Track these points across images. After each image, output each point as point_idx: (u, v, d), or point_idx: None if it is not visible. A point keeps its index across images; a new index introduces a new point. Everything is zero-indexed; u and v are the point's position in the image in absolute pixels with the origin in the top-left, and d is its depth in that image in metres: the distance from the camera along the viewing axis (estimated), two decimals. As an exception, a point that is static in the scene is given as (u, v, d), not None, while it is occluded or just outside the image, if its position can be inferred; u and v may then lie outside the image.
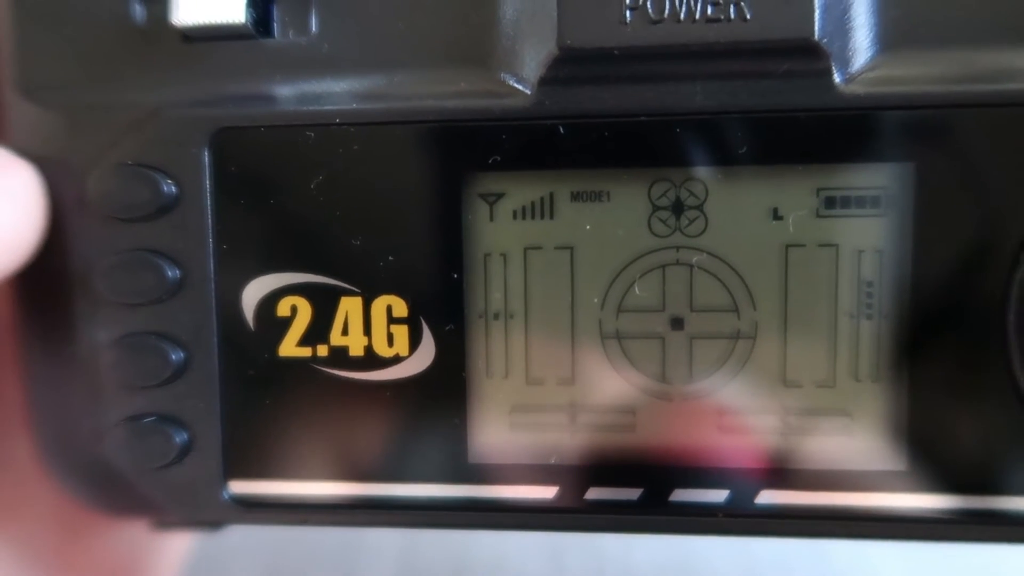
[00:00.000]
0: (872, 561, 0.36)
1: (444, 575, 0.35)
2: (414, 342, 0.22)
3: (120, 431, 0.23)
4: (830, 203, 0.21)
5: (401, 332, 0.22)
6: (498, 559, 0.36)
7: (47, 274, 0.23)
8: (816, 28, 0.20)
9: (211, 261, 0.22)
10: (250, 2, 0.22)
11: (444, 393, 0.22)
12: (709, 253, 0.22)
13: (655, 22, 0.21)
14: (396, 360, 0.22)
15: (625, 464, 0.22)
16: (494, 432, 0.23)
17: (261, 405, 0.23)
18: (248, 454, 0.23)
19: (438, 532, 0.25)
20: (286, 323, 0.23)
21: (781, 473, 0.22)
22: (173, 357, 0.22)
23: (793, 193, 0.21)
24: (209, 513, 0.23)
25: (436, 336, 0.22)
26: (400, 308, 0.22)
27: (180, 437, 0.23)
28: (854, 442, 0.22)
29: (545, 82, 0.21)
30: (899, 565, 0.35)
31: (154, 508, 0.24)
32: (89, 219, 0.22)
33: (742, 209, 0.22)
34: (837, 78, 0.21)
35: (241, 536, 0.35)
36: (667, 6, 0.20)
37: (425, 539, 0.36)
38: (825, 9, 0.20)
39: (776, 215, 0.22)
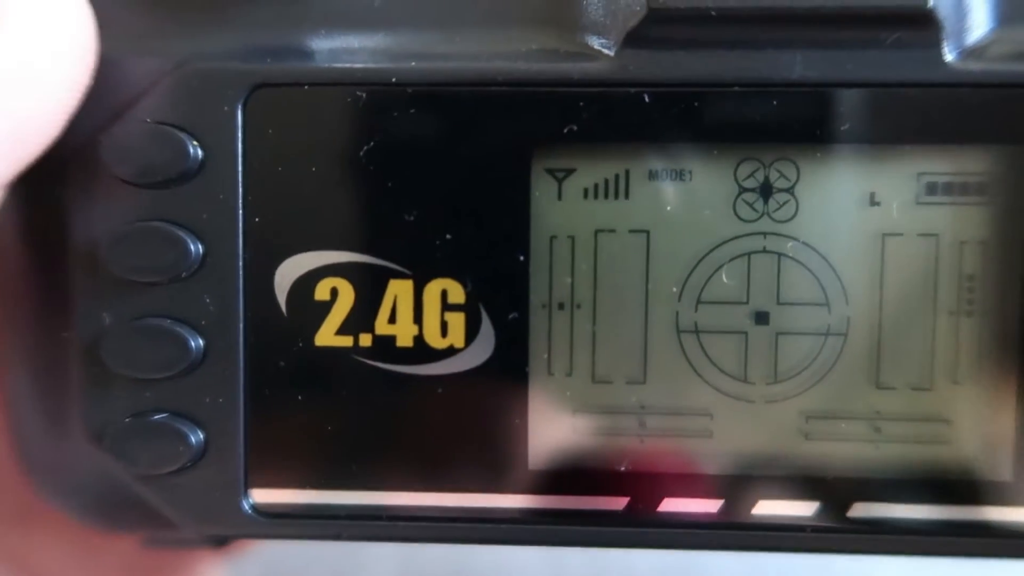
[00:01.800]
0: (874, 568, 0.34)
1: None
2: (471, 332, 0.20)
3: (124, 430, 0.20)
4: (931, 189, 0.20)
5: (457, 320, 0.20)
6: (499, 562, 0.35)
7: (41, 244, 0.20)
8: None
9: (240, 236, 0.20)
10: None
11: (503, 391, 0.20)
12: (799, 241, 0.20)
13: None
14: (450, 352, 0.20)
15: (702, 473, 0.20)
16: (557, 435, 0.20)
17: (291, 402, 0.20)
18: (274, 458, 0.20)
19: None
20: (325, 308, 0.20)
21: (874, 484, 0.20)
22: (191, 344, 0.20)
23: (892, 177, 0.20)
24: (226, 526, 0.20)
25: (497, 326, 0.20)
26: (456, 293, 0.20)
27: (195, 437, 0.20)
28: (953, 451, 0.20)
29: (630, 44, 0.19)
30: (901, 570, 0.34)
31: (159, 521, 0.20)
32: (99, 183, 0.19)
33: (837, 193, 0.20)
34: (950, 51, 0.19)
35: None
36: None
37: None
38: None
39: (873, 200, 0.20)
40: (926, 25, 0.19)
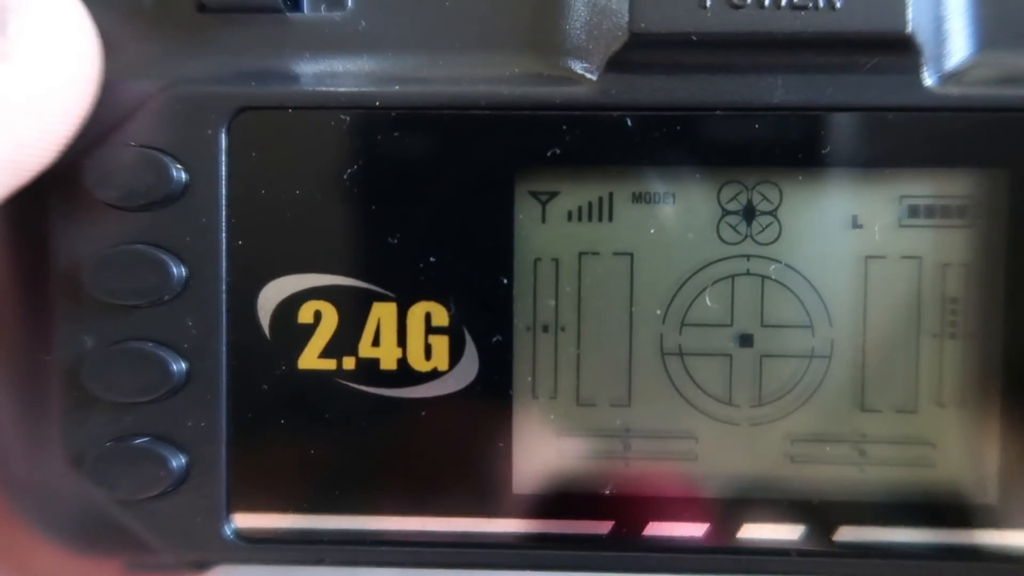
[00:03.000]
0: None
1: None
2: (455, 355, 0.20)
3: (105, 454, 0.20)
4: (914, 212, 0.20)
5: (441, 343, 0.20)
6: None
7: (22, 268, 0.20)
8: (909, 21, 0.19)
9: (223, 258, 0.20)
10: None
11: (487, 414, 0.20)
12: (783, 263, 0.20)
13: (737, 7, 0.19)
14: (434, 375, 0.20)
15: (687, 496, 0.20)
16: (542, 459, 0.20)
17: (274, 425, 0.20)
18: (256, 482, 0.20)
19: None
20: (308, 331, 0.20)
21: (859, 507, 0.20)
22: (173, 368, 0.19)
23: (875, 200, 0.20)
24: (207, 551, 0.20)
25: (480, 349, 0.20)
26: (440, 316, 0.20)
27: (176, 462, 0.20)
28: (938, 474, 0.20)
29: (612, 68, 0.19)
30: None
31: (140, 546, 0.20)
32: (82, 206, 0.19)
33: (819, 216, 0.20)
34: (929, 76, 0.19)
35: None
36: None
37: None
38: (920, 2, 0.19)
39: (856, 223, 0.20)
40: (905, 50, 0.19)
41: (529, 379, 0.20)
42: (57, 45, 0.18)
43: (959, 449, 0.20)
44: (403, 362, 0.20)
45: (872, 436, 0.20)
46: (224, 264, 0.20)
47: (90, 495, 0.20)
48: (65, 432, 0.20)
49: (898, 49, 0.19)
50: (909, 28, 0.19)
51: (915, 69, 0.19)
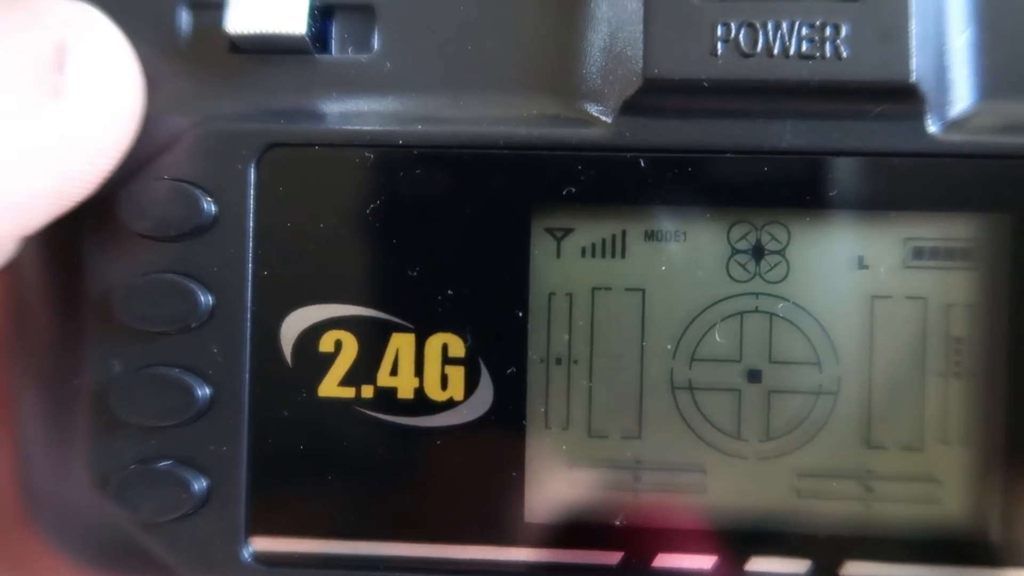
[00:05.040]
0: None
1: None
2: (471, 385, 0.20)
3: (129, 476, 0.20)
4: (918, 253, 0.20)
5: (457, 374, 0.20)
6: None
7: (57, 293, 0.21)
8: (913, 71, 0.19)
9: (248, 288, 0.20)
10: (312, 14, 0.20)
11: (501, 443, 0.20)
12: (791, 301, 0.20)
13: (747, 55, 0.20)
14: (449, 404, 0.20)
15: (696, 528, 0.20)
16: (553, 489, 0.20)
17: (293, 451, 0.20)
18: (275, 507, 0.20)
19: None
20: (329, 360, 0.20)
21: (865, 542, 0.20)
22: (198, 393, 0.20)
23: (880, 241, 0.20)
24: (226, 574, 0.20)
25: (495, 379, 0.20)
26: (457, 347, 0.20)
27: (198, 485, 0.20)
28: (944, 510, 0.20)
29: (626, 111, 0.20)
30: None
31: (158, 567, 0.21)
32: (115, 235, 0.20)
33: (826, 256, 0.20)
34: (933, 123, 0.20)
35: None
36: (760, 40, 0.20)
37: None
38: (924, 53, 0.19)
39: (861, 264, 0.20)
40: (910, 99, 0.20)
41: (542, 410, 0.20)
42: (108, 83, 0.19)
43: (964, 486, 0.20)
44: (420, 391, 0.20)
45: (878, 472, 0.20)
46: (249, 294, 0.20)
47: (113, 516, 0.20)
48: (91, 454, 0.20)
49: (902, 97, 0.20)
50: (913, 78, 0.19)
51: (919, 117, 0.20)
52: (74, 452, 0.21)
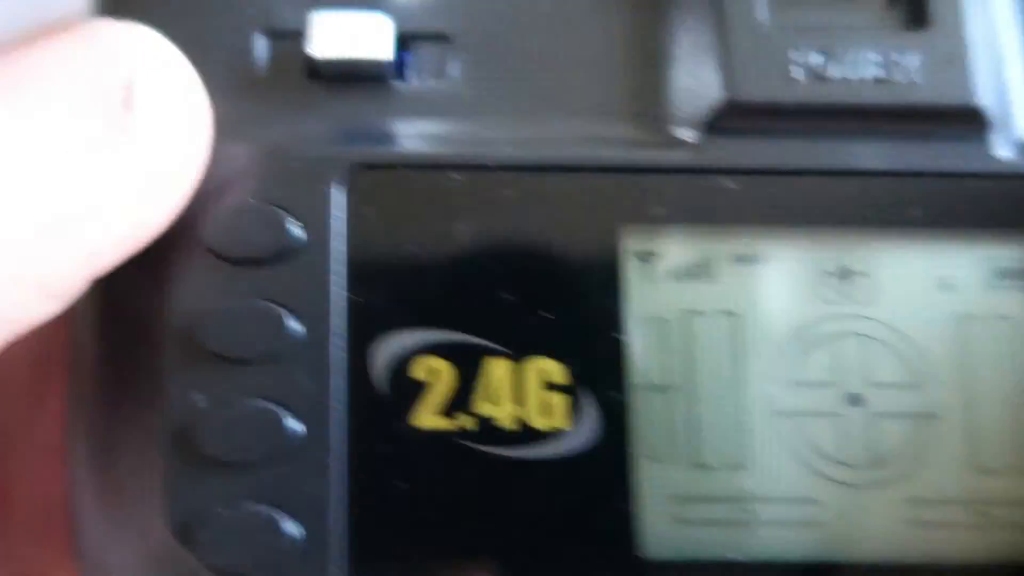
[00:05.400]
0: None
1: None
2: (574, 414, 0.20)
3: (212, 522, 0.18)
4: (1001, 274, 0.21)
5: (559, 401, 0.20)
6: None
7: (129, 324, 0.19)
8: (976, 95, 0.20)
9: (338, 314, 0.19)
10: (399, 41, 0.20)
11: (609, 475, 0.19)
12: (882, 322, 0.20)
13: (824, 80, 0.20)
14: (556, 434, 0.19)
15: (807, 561, 0.20)
16: (663, 523, 0.20)
17: (394, 490, 0.19)
18: (380, 554, 0.19)
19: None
20: (423, 388, 0.19)
21: (983, 571, 0.20)
22: (288, 428, 0.19)
23: (961, 262, 0.21)
24: None
25: (602, 407, 0.20)
26: (556, 373, 0.20)
27: (291, 530, 0.18)
28: None
29: (711, 132, 0.20)
30: None
31: None
32: (198, 261, 0.19)
33: (911, 277, 0.21)
34: (1001, 145, 0.21)
35: None
36: (832, 65, 0.20)
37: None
38: (987, 77, 0.20)
39: (946, 284, 0.21)
40: (975, 121, 0.20)
41: (649, 439, 0.20)
42: (176, 120, 0.18)
43: None
44: (521, 421, 0.19)
45: (991, 498, 0.20)
46: (339, 320, 0.19)
47: (189, 567, 0.19)
48: (168, 496, 0.19)
49: (968, 120, 0.20)
50: (977, 101, 0.20)
51: (986, 138, 0.21)
52: (141, 501, 0.19)
